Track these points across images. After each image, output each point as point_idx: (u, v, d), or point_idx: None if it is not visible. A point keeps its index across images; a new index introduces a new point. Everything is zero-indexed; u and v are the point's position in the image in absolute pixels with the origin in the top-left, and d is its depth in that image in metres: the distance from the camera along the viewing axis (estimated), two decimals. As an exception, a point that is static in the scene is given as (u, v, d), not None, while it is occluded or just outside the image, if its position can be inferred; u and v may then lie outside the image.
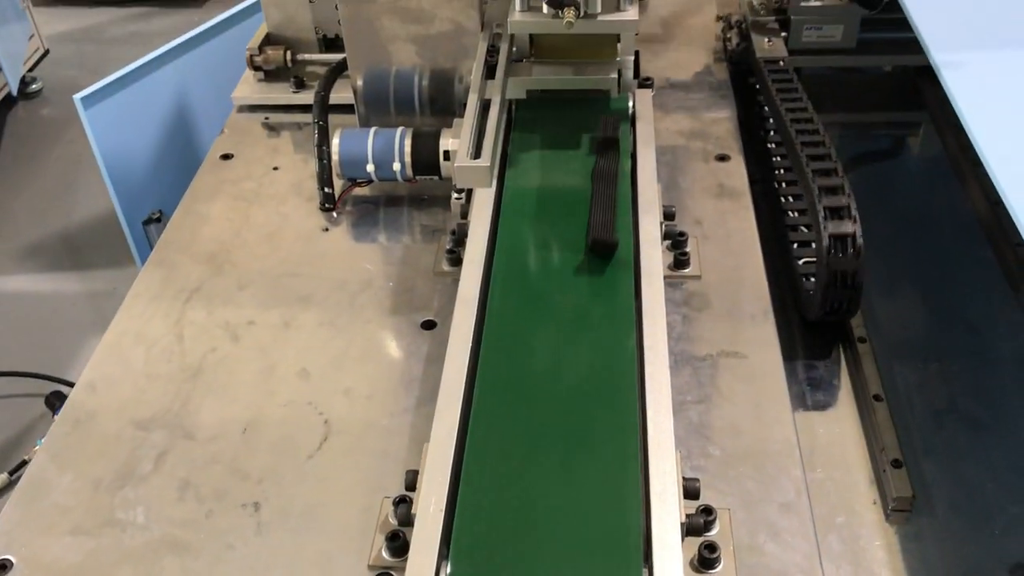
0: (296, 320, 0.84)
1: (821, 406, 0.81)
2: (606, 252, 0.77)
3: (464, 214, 0.90)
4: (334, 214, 0.97)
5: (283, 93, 1.13)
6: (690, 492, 0.63)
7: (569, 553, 0.57)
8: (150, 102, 1.37)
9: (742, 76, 1.14)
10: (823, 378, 0.83)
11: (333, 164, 0.95)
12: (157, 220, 1.42)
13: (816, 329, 0.87)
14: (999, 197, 0.94)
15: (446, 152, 0.93)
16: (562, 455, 0.63)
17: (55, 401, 1.79)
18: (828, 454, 0.76)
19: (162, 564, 0.65)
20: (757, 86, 1.07)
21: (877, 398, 0.79)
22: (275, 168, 1.04)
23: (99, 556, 0.66)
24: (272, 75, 1.14)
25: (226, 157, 1.06)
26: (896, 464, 0.73)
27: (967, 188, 1.03)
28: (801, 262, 0.89)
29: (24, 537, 0.67)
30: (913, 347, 0.85)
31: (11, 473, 1.67)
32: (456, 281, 0.86)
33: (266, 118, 1.13)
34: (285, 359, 0.81)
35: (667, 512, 0.59)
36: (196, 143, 1.44)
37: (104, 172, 1.32)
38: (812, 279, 0.87)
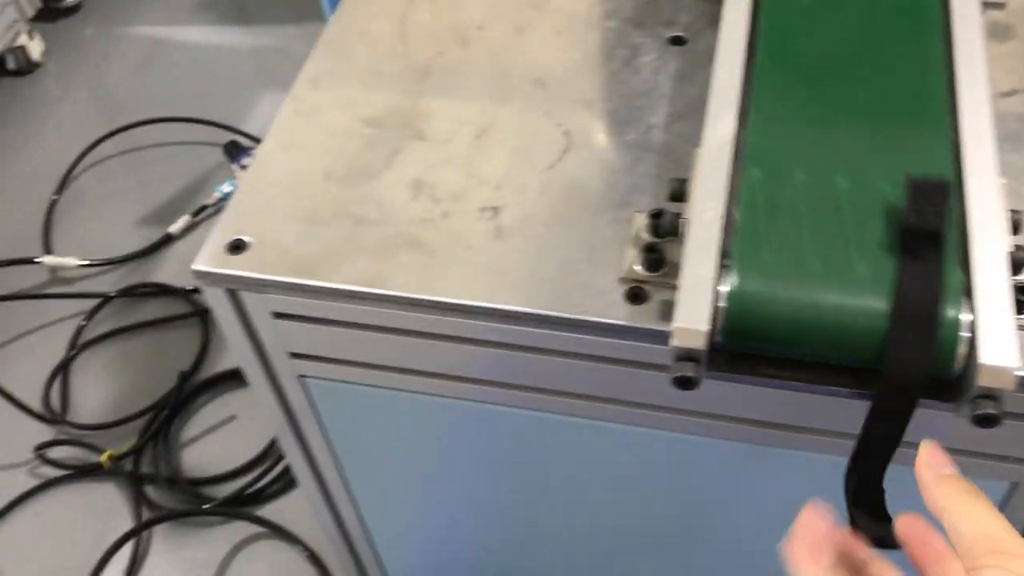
0: (529, 27, 0.77)
1: None
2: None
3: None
4: (564, -78, 0.87)
5: None
6: (1012, 225, 0.54)
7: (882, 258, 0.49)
8: None
9: None
10: None
11: None
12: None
13: None
14: None
15: None
16: (861, 167, 0.54)
17: (233, 150, 1.80)
18: None
19: (398, 259, 0.62)
20: None
21: None
22: None
23: (335, 246, 0.63)
24: None
25: None
26: None
27: None
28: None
29: (258, 220, 0.65)
30: None
31: (194, 215, 1.72)
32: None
33: None
34: (519, 66, 0.73)
35: (992, 238, 0.50)
36: None
37: None
38: None
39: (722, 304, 0.50)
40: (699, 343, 0.49)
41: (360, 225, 0.64)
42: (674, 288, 0.57)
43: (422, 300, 0.60)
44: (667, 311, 0.57)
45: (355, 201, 0.66)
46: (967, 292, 0.48)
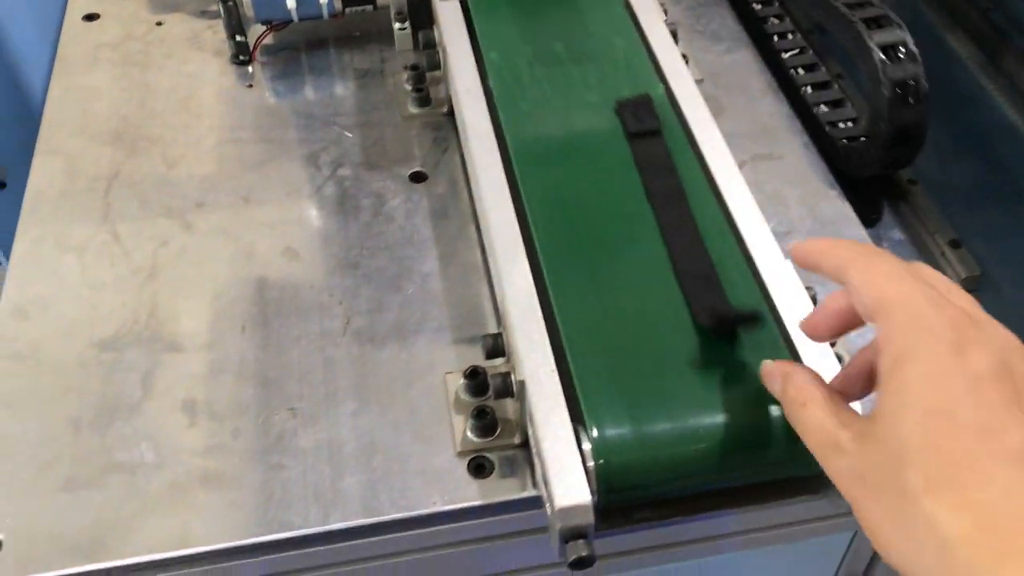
0: (257, 193, 0.70)
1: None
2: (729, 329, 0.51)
3: (420, 45, 0.77)
4: (250, 68, 0.81)
5: (139, -67, 0.92)
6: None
7: (716, 376, 0.49)
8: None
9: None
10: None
11: (243, 6, 0.78)
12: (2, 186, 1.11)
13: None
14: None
15: (383, -28, 0.78)
16: (656, 275, 0.54)
17: None
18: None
19: (197, 502, 0.52)
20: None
21: (912, 182, 0.74)
22: (159, 24, 0.85)
23: (114, 509, 0.52)
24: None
25: (90, 17, 0.86)
26: (954, 244, 0.70)
27: None
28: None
29: (3, 508, 0.52)
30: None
31: None
32: (428, 124, 0.75)
33: (123, -34, 0.92)
34: (261, 239, 0.66)
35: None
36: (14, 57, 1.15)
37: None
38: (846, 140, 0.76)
39: (591, 464, 0.47)
40: (587, 518, 0.45)
41: (136, 474, 0.54)
42: (512, 448, 0.54)
43: (245, 546, 0.51)
44: (514, 474, 0.53)
45: (120, 446, 0.55)
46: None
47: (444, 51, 0.71)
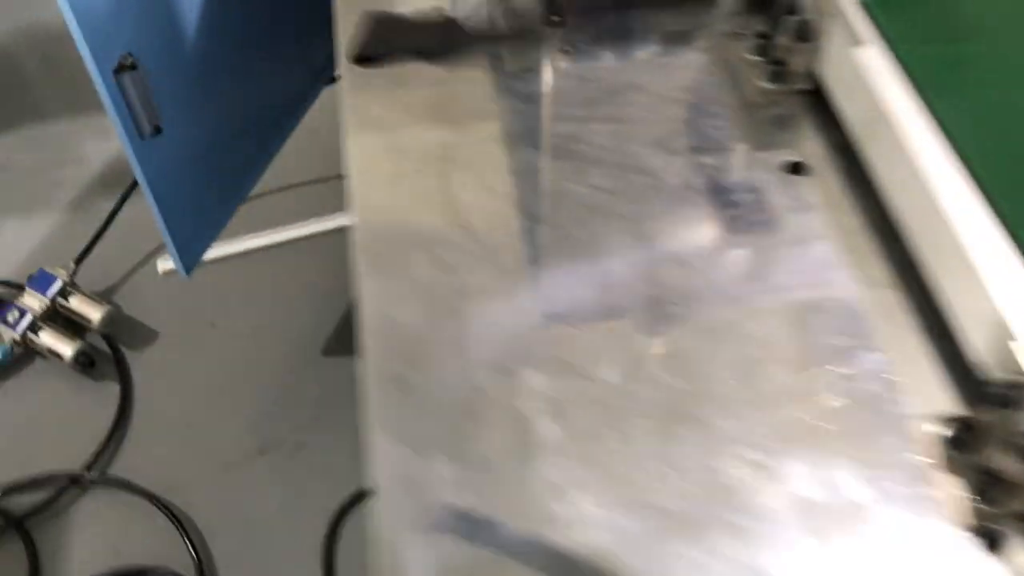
0: (619, 186, 0.60)
1: None
2: None
3: (774, 12, 0.66)
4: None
5: None
6: None
7: None
8: None
9: None
10: None
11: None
12: (132, 68, 1.05)
13: None
14: None
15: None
16: None
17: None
18: None
19: (716, 545, 0.44)
20: None
21: None
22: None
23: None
24: None
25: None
26: None
27: None
28: None
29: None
30: None
31: None
32: (776, 102, 0.65)
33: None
34: (645, 238, 0.57)
35: None
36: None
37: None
38: None
39: None
40: None
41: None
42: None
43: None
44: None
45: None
46: None
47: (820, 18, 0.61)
